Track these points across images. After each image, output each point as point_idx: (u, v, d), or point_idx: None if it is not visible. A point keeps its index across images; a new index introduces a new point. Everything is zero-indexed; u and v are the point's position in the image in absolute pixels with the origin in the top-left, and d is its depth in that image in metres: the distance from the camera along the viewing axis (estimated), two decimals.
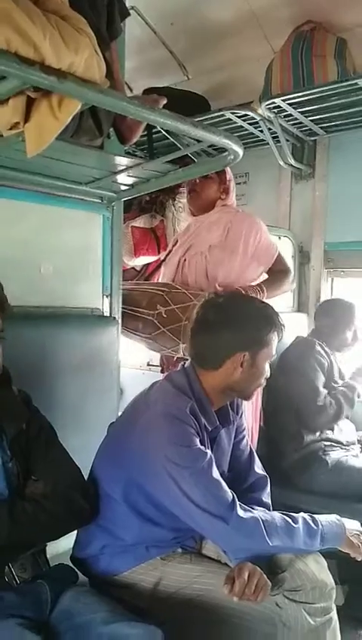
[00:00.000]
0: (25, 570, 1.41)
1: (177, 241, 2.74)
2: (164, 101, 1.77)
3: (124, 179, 1.90)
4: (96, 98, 1.22)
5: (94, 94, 1.20)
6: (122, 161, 1.72)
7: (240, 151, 1.56)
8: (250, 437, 2.25)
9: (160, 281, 2.85)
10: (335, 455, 2.60)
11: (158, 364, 2.81)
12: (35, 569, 1.43)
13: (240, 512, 1.45)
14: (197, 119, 2.30)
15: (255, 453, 1.83)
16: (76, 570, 1.56)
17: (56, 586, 1.41)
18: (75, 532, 1.62)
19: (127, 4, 1.87)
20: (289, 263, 3.29)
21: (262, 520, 1.46)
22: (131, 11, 2.12)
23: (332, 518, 1.57)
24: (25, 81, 1.13)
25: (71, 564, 1.58)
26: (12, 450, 1.45)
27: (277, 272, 2.50)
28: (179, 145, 3.19)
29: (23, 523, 1.37)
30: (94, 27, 1.29)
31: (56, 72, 1.13)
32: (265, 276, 2.51)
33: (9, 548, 1.37)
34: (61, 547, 1.65)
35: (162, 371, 2.64)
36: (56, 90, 1.18)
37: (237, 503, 1.46)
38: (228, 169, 2.53)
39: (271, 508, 1.71)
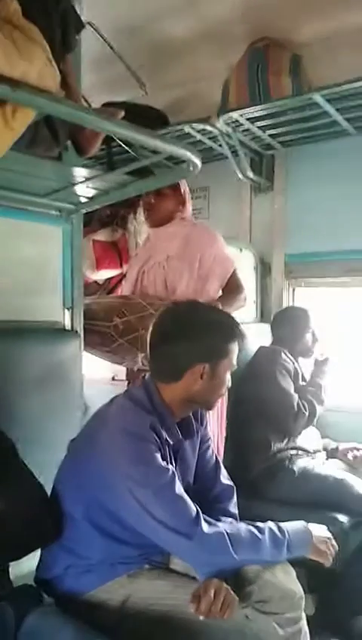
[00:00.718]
0: None
1: (136, 254, 2.74)
2: (122, 113, 1.77)
3: (84, 191, 1.88)
4: (51, 107, 1.21)
5: (48, 103, 1.20)
6: (80, 172, 1.70)
7: (198, 161, 1.57)
8: (216, 447, 2.24)
9: (121, 294, 2.84)
10: (301, 463, 2.61)
11: (124, 378, 2.78)
12: None
13: (205, 528, 1.43)
14: None
15: (221, 463, 1.81)
16: (40, 591, 1.52)
17: (20, 608, 1.36)
18: (39, 552, 1.57)
19: (84, 20, 1.87)
20: (251, 274, 3.36)
21: (227, 534, 1.44)
22: (87, 27, 2.13)
23: (299, 525, 1.57)
24: None
25: (35, 585, 1.53)
26: None
27: (230, 288, 2.52)
28: (138, 157, 3.20)
29: None
30: (48, 38, 1.28)
31: (9, 80, 1.12)
32: (220, 293, 2.52)
33: None
34: (25, 567, 1.60)
35: (129, 384, 2.62)
36: (9, 99, 1.16)
37: (202, 518, 1.44)
38: (182, 182, 2.55)
39: (238, 518, 1.70)
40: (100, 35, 3.21)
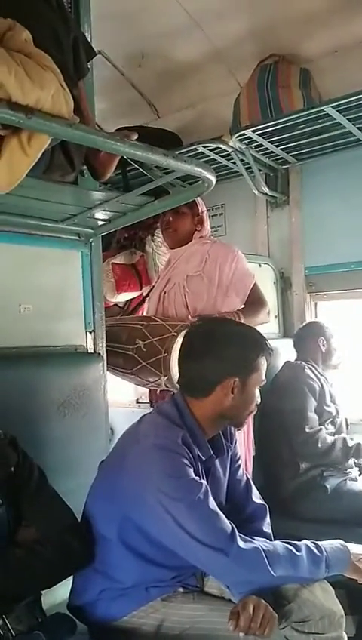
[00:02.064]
0: (20, 622, 1.34)
1: (159, 277, 2.75)
2: (135, 135, 1.79)
3: (101, 214, 1.90)
4: (65, 132, 1.22)
5: (63, 128, 1.21)
6: (97, 195, 1.72)
7: (212, 178, 1.57)
8: (244, 467, 2.21)
9: (142, 315, 2.85)
10: (333, 480, 2.56)
11: (147, 400, 2.77)
12: (31, 620, 1.36)
13: (241, 544, 1.39)
14: None
15: (252, 482, 1.79)
16: (74, 618, 1.49)
17: (54, 637, 1.35)
18: (71, 579, 1.55)
19: (95, 48, 1.91)
20: (271, 289, 3.34)
21: (263, 550, 1.41)
22: (98, 55, 2.17)
23: (336, 543, 1.52)
24: None
25: (68, 613, 1.51)
26: (1, 495, 1.40)
27: (252, 303, 2.49)
28: (153, 178, 3.23)
29: (16, 571, 1.33)
30: (60, 65, 1.30)
31: (24, 108, 1.14)
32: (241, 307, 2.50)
33: (2, 598, 1.31)
34: (57, 596, 1.58)
35: (151, 407, 2.60)
36: (24, 126, 1.18)
37: (237, 534, 1.41)
38: (199, 201, 2.56)
39: (272, 538, 1.66)
40: (111, 62, 3.30)
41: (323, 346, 2.90)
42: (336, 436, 2.68)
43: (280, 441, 2.63)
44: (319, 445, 2.59)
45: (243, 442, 2.44)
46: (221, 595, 1.58)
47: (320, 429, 2.63)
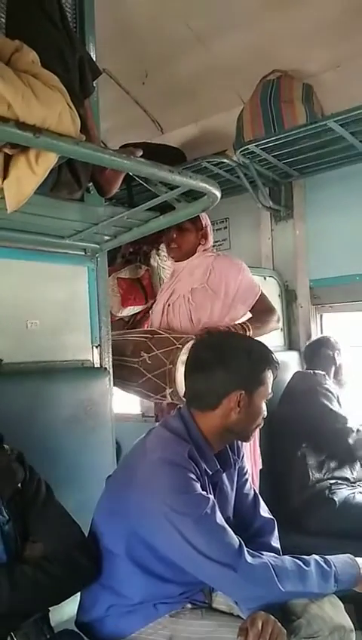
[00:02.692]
0: (28, 639, 1.33)
1: (163, 289, 2.76)
2: (140, 152, 1.81)
3: (106, 229, 1.92)
4: (72, 150, 1.24)
5: (70, 147, 1.23)
6: (103, 212, 1.74)
7: (217, 193, 1.59)
8: (251, 480, 2.20)
9: (147, 329, 2.85)
10: (342, 493, 2.54)
11: (153, 414, 2.77)
12: (39, 637, 1.35)
13: (249, 559, 1.39)
14: None
15: (259, 496, 1.78)
16: (82, 635, 1.49)
17: None
18: (79, 595, 1.55)
19: (99, 67, 1.94)
20: (276, 302, 3.35)
21: (272, 565, 1.40)
22: (103, 73, 2.21)
23: (345, 557, 1.51)
24: (1, 138, 1.16)
25: (76, 630, 1.50)
26: (8, 511, 1.40)
27: (260, 311, 2.50)
28: (158, 194, 3.25)
29: (24, 588, 1.32)
30: (66, 85, 1.33)
31: (32, 127, 1.16)
32: (249, 316, 2.51)
33: (10, 615, 1.30)
34: (65, 613, 1.57)
35: (157, 421, 2.60)
36: (32, 145, 1.20)
37: (245, 549, 1.40)
38: (203, 215, 2.58)
39: (280, 552, 1.65)
40: (115, 80, 3.34)
41: (337, 360, 2.93)
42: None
43: (292, 451, 2.63)
44: (350, 441, 2.60)
45: (250, 456, 2.43)
46: (229, 610, 1.57)
47: (351, 426, 2.64)
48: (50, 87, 1.20)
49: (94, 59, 2.00)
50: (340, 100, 2.85)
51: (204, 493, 1.45)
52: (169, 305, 2.57)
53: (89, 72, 1.79)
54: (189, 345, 2.19)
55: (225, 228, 3.78)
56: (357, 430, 2.65)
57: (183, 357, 2.13)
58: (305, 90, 3.09)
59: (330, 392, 2.74)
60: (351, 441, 2.60)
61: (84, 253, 2.09)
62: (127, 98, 3.55)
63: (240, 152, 2.96)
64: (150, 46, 3.21)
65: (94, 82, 1.88)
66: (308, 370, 2.96)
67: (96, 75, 1.88)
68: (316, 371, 2.87)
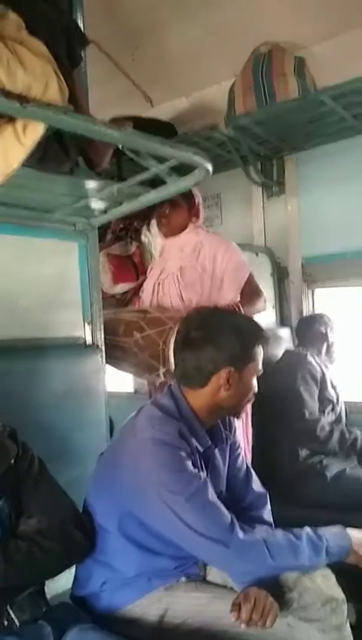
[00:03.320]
0: (24, 612, 1.34)
1: (152, 267, 2.74)
2: (130, 125, 1.78)
3: (97, 204, 1.89)
4: (61, 121, 1.21)
5: (58, 117, 1.20)
6: (93, 185, 1.71)
7: (209, 166, 1.56)
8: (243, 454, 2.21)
9: (140, 308, 2.84)
10: (333, 467, 2.56)
11: (146, 391, 2.77)
12: (35, 610, 1.36)
13: (241, 535, 1.40)
14: None
15: (252, 470, 1.79)
16: (77, 608, 1.50)
17: (58, 626, 1.35)
18: (74, 569, 1.56)
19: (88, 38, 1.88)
20: (268, 279, 3.34)
21: (264, 540, 1.41)
22: (92, 45, 2.15)
23: (337, 530, 1.52)
24: None
25: (72, 603, 1.51)
26: (1, 488, 1.40)
27: (248, 293, 2.49)
28: (148, 167, 3.20)
29: (18, 562, 1.32)
30: (54, 54, 1.29)
31: (19, 97, 1.13)
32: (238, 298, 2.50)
33: (5, 589, 1.31)
34: (60, 586, 1.59)
35: (150, 397, 2.60)
36: (19, 115, 1.17)
37: (237, 525, 1.41)
38: (195, 192, 2.55)
39: (273, 525, 1.66)
40: (104, 53, 3.26)
41: (329, 336, 2.93)
42: (335, 426, 2.69)
43: (279, 429, 2.64)
44: (317, 433, 2.60)
45: (242, 431, 2.44)
46: (224, 583, 1.59)
47: (320, 417, 2.65)
48: (36, 54, 1.17)
49: (82, 29, 1.94)
50: (333, 74, 2.80)
51: (195, 471, 1.46)
52: (159, 284, 2.56)
53: (77, 41, 1.73)
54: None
55: (217, 204, 3.75)
56: (329, 425, 2.67)
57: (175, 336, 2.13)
58: (297, 63, 3.02)
59: (312, 374, 2.73)
60: (318, 433, 2.60)
61: (74, 229, 2.07)
62: (116, 70, 3.47)
63: (232, 125, 2.91)
64: (140, 17, 3.14)
65: (82, 53, 1.83)
66: (297, 349, 2.96)
67: (84, 44, 1.82)
68: (303, 351, 2.87)
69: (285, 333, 3.35)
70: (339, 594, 1.49)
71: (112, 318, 2.41)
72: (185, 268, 2.47)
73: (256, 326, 1.65)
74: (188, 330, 1.62)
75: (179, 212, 2.54)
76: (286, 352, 2.92)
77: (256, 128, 2.94)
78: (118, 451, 1.56)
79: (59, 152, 1.53)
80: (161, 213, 2.57)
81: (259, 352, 1.62)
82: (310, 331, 2.97)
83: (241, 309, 2.37)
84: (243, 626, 1.32)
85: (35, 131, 1.21)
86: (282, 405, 2.64)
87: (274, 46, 3.09)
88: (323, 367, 2.81)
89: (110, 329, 2.25)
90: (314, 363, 2.77)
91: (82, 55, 1.80)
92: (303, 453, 2.60)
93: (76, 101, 1.58)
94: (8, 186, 1.51)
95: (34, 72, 1.14)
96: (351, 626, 1.51)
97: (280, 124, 2.93)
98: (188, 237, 2.54)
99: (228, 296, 2.45)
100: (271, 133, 3.05)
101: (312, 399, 2.67)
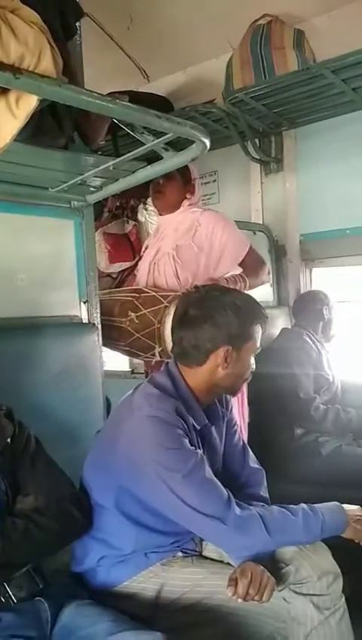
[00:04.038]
0: (21, 589, 1.35)
1: (147, 246, 2.71)
2: (127, 98, 1.74)
3: (92, 180, 1.86)
4: (55, 92, 1.18)
5: (52, 89, 1.17)
6: (88, 161, 1.68)
7: (206, 140, 1.53)
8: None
9: (134, 287, 2.83)
10: (329, 445, 2.58)
11: (143, 370, 2.77)
12: (32, 587, 1.37)
13: (237, 511, 1.41)
14: None
15: (248, 448, 1.79)
16: (75, 585, 1.51)
17: (55, 602, 1.36)
18: (71, 546, 1.57)
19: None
20: (266, 257, 3.31)
21: (260, 515, 1.42)
22: (86, 18, 2.10)
23: (332, 505, 1.54)
24: None
25: (69, 580, 1.52)
26: None
27: (251, 265, 2.47)
28: (145, 142, 3.16)
29: (15, 540, 1.33)
30: (48, 24, 1.25)
31: (11, 67, 1.09)
32: (239, 270, 2.48)
33: (2, 566, 1.32)
34: (58, 563, 1.59)
35: (146, 377, 2.60)
36: (12, 87, 1.14)
37: (234, 501, 1.43)
38: (192, 168, 2.51)
39: (269, 502, 1.68)
40: (99, 25, 3.20)
41: (326, 314, 2.90)
42: (330, 406, 2.69)
43: (274, 407, 2.65)
44: (312, 413, 2.61)
45: (238, 409, 2.45)
46: (220, 558, 1.60)
47: (315, 397, 2.65)
48: (29, 24, 1.13)
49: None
50: (332, 46, 2.74)
51: (192, 448, 1.46)
52: (155, 263, 2.53)
53: (71, 12, 1.69)
54: (177, 303, 2.17)
55: (214, 181, 3.70)
56: (324, 405, 2.67)
57: (171, 315, 2.12)
58: (296, 35, 2.97)
59: (308, 353, 2.73)
60: (312, 412, 2.61)
61: (69, 206, 2.03)
62: (111, 44, 3.41)
63: (230, 100, 2.86)
64: None
65: (77, 24, 1.79)
66: (294, 328, 2.94)
67: (79, 15, 1.78)
68: (300, 328, 2.86)
69: (283, 312, 3.34)
70: (335, 568, 1.50)
71: (107, 298, 2.39)
72: (181, 247, 2.44)
73: (255, 305, 1.64)
74: (186, 308, 1.61)
75: (173, 185, 2.49)
76: (284, 330, 2.91)
77: (254, 103, 2.88)
78: (115, 429, 1.56)
79: (53, 126, 1.51)
80: (155, 185, 2.53)
81: (258, 331, 1.61)
82: (306, 309, 2.96)
83: (246, 280, 2.36)
84: (239, 600, 1.34)
85: (28, 103, 1.18)
86: (278, 384, 2.63)
87: (272, 19, 3.03)
88: (319, 346, 2.80)
89: (105, 310, 2.24)
90: (309, 342, 2.76)
91: (77, 27, 1.76)
92: (298, 431, 2.60)
93: (71, 73, 1.55)
94: (2, 162, 1.49)
95: (27, 42, 1.10)
96: (347, 600, 1.52)
97: (279, 98, 2.87)
98: (184, 216, 2.51)
99: (226, 271, 2.43)
100: (269, 108, 2.99)
101: (307, 379, 2.67)
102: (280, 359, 2.68)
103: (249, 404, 2.55)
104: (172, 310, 2.13)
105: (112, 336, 2.30)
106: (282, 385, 2.64)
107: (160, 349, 2.22)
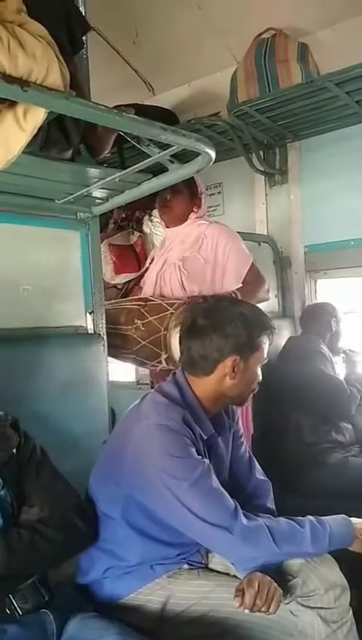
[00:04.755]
0: (26, 601, 1.34)
1: (153, 258, 2.73)
2: (133, 111, 1.76)
3: (98, 192, 1.88)
4: (62, 105, 1.19)
5: (60, 102, 1.18)
6: (94, 173, 1.70)
7: (212, 152, 1.54)
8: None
9: (140, 296, 2.83)
10: (335, 456, 2.57)
11: (148, 381, 2.76)
12: (37, 598, 1.36)
13: (244, 521, 1.40)
14: None
15: (254, 459, 1.79)
16: (80, 597, 1.50)
17: (60, 615, 1.35)
18: (76, 558, 1.56)
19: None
20: (271, 268, 3.32)
21: (267, 526, 1.41)
22: (92, 32, 2.12)
23: (339, 518, 1.53)
24: None
25: (74, 592, 1.52)
26: (3, 477, 1.40)
27: (250, 282, 2.48)
28: (150, 155, 3.18)
29: (21, 551, 1.32)
30: (55, 38, 1.27)
31: (19, 80, 1.11)
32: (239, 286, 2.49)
33: (7, 578, 1.31)
34: (63, 574, 1.58)
35: (152, 388, 2.60)
36: (20, 99, 1.15)
37: (240, 511, 1.42)
38: (199, 182, 2.54)
39: (275, 514, 1.66)
40: (105, 39, 3.23)
41: (334, 327, 2.91)
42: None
43: (285, 415, 2.65)
44: (357, 395, 2.66)
45: (242, 421, 2.44)
46: (226, 571, 1.59)
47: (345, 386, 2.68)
48: (37, 38, 1.15)
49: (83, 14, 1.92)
50: (336, 60, 2.76)
51: (199, 457, 1.46)
52: (161, 274, 2.55)
53: (78, 26, 1.71)
54: (182, 310, 2.18)
55: (219, 193, 3.71)
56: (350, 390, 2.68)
57: (177, 322, 2.12)
58: (300, 49, 3.00)
59: (325, 356, 2.74)
60: (354, 405, 2.63)
61: (75, 218, 2.05)
62: (117, 58, 3.44)
63: (234, 113, 2.88)
64: (141, 4, 3.10)
65: (83, 38, 1.81)
66: (303, 336, 2.95)
67: (86, 30, 1.80)
68: (311, 336, 2.86)
69: (287, 323, 3.34)
70: (342, 581, 1.49)
71: (113, 307, 2.40)
72: (188, 258, 2.46)
73: (263, 315, 1.65)
74: (195, 318, 1.62)
75: (180, 199, 2.52)
76: (293, 337, 2.90)
77: (259, 115, 2.90)
78: (122, 437, 1.56)
79: (60, 139, 1.52)
80: (162, 200, 2.56)
81: (265, 341, 1.62)
82: (314, 320, 2.96)
83: (239, 296, 2.36)
84: (246, 611, 1.33)
85: (36, 116, 1.19)
86: (290, 392, 2.63)
87: (276, 32, 3.06)
88: (331, 356, 2.81)
89: (111, 318, 2.25)
90: (324, 349, 2.78)
91: (83, 41, 1.78)
92: (307, 441, 2.59)
93: (78, 87, 1.57)
94: (10, 174, 1.51)
95: (35, 56, 1.12)
96: (354, 613, 1.51)
97: (283, 111, 2.89)
98: (190, 228, 2.53)
99: (231, 286, 2.44)
100: (274, 121, 3.01)
101: (333, 374, 2.70)
102: (297, 364, 2.68)
103: (254, 414, 2.54)
104: (177, 317, 2.14)
105: (118, 345, 2.30)
106: (304, 389, 2.64)
107: (166, 355, 2.23)
